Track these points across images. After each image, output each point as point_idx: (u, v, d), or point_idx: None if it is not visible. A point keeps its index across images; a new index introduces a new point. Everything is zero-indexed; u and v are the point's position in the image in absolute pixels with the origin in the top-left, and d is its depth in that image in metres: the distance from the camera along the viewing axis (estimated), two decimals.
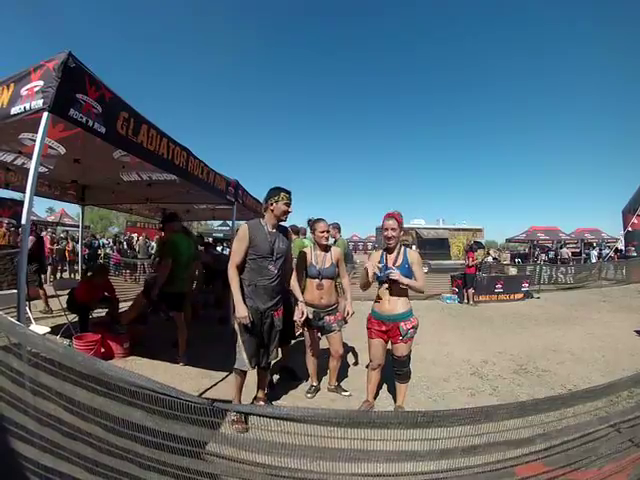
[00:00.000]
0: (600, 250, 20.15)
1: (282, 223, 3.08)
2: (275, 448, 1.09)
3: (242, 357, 2.80)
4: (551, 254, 21.36)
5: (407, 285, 2.90)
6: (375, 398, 3.35)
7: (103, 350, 4.32)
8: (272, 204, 2.90)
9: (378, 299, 3.07)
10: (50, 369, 1.19)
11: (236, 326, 2.81)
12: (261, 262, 2.84)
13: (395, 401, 3.27)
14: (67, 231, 13.86)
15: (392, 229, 2.96)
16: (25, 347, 1.38)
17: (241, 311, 2.71)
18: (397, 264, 2.97)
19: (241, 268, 2.86)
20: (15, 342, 1.38)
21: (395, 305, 2.96)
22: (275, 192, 2.91)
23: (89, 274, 5.84)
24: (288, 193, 2.95)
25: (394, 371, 3.12)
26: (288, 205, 2.95)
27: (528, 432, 1.19)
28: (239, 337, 2.81)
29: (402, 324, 2.93)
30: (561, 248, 20.42)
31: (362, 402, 3.28)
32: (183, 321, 4.32)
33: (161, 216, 6.85)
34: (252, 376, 3.11)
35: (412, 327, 2.96)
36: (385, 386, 3.66)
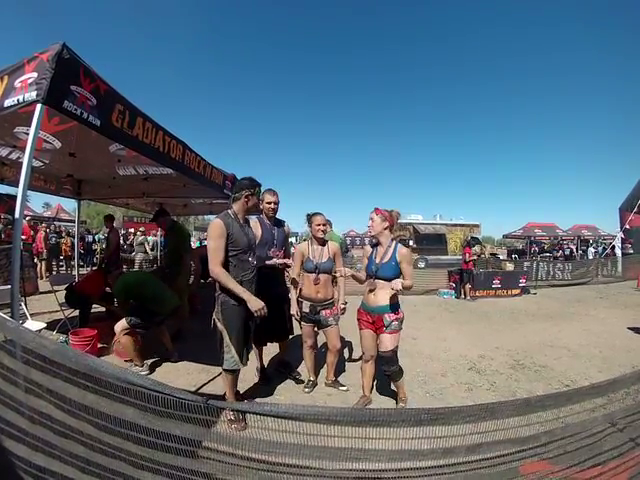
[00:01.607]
0: (597, 247, 20.21)
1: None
2: (272, 447, 1.07)
3: (232, 356, 2.70)
4: (567, 251, 21.28)
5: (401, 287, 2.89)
6: (371, 392, 3.35)
7: (100, 346, 4.30)
8: (248, 196, 2.83)
9: (367, 290, 3.11)
10: (41, 366, 1.17)
11: (220, 325, 2.71)
12: (242, 256, 2.77)
13: (396, 399, 3.29)
14: (54, 225, 13.71)
15: (371, 219, 3.08)
16: (19, 344, 1.35)
17: (256, 304, 2.63)
18: (384, 260, 2.99)
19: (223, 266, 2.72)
20: (7, 338, 1.36)
21: (380, 297, 2.98)
22: (253, 184, 2.87)
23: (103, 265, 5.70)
24: (260, 187, 2.99)
25: (384, 372, 3.11)
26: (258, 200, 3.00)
27: (532, 430, 1.17)
28: (226, 336, 2.70)
29: (386, 315, 2.96)
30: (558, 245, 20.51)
31: (359, 397, 3.28)
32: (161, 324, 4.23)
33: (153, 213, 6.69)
34: (244, 374, 3.09)
35: (396, 319, 2.97)
36: (382, 381, 3.66)
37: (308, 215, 3.57)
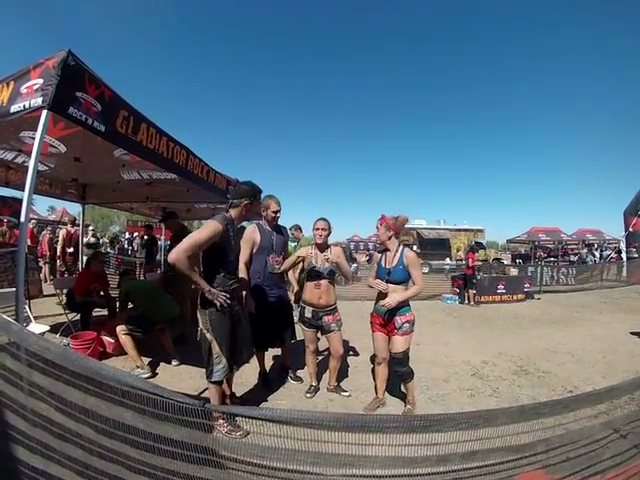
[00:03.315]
0: (601, 252, 20.06)
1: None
2: (268, 452, 1.06)
3: (223, 365, 2.60)
4: (588, 257, 20.96)
5: (403, 300, 2.98)
6: (384, 394, 3.35)
7: (101, 349, 4.31)
8: (247, 205, 2.71)
9: (379, 294, 3.16)
10: (43, 368, 1.18)
11: (209, 335, 2.57)
12: (230, 267, 2.70)
13: (405, 401, 3.30)
14: (59, 228, 13.74)
15: (376, 228, 3.20)
16: (22, 346, 1.36)
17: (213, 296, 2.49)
18: (392, 264, 3.08)
19: (214, 271, 2.61)
20: (11, 341, 1.37)
21: (392, 300, 3.00)
22: (254, 192, 2.75)
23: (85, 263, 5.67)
24: (261, 195, 2.92)
25: (395, 372, 3.16)
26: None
27: (529, 437, 1.15)
28: (215, 346, 2.57)
29: (397, 318, 3.01)
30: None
31: (372, 399, 3.31)
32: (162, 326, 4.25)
33: (161, 215, 6.81)
34: (245, 378, 3.08)
35: (407, 321, 3.02)
36: (392, 383, 3.64)
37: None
